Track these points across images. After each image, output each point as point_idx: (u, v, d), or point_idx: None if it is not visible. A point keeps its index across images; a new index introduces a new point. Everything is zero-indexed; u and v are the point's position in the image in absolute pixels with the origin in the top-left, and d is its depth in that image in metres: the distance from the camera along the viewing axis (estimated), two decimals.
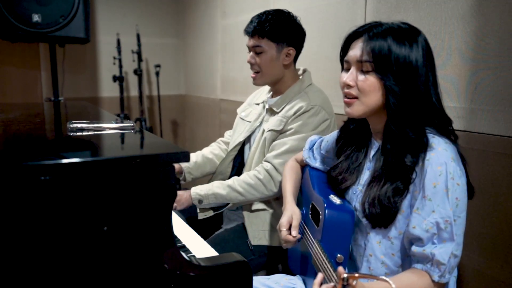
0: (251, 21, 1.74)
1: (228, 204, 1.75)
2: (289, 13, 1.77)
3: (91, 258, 0.91)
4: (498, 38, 1.44)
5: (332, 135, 1.40)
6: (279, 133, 1.72)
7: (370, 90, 1.09)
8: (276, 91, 1.83)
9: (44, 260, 0.87)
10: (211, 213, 1.84)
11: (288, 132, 1.69)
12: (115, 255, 0.93)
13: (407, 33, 1.08)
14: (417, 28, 1.12)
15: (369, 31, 1.09)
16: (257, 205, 1.76)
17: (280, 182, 1.64)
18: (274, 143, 1.72)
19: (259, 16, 1.73)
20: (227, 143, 2.07)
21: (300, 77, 1.81)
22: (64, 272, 0.89)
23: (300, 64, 1.84)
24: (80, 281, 0.91)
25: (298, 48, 1.78)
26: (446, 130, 1.12)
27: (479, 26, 1.49)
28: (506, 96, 1.42)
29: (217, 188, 1.72)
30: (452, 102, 1.60)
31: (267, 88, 1.94)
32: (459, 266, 1.08)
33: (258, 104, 1.91)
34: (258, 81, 1.79)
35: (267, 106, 1.82)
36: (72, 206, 0.88)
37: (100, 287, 0.93)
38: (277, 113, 1.75)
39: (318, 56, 2.19)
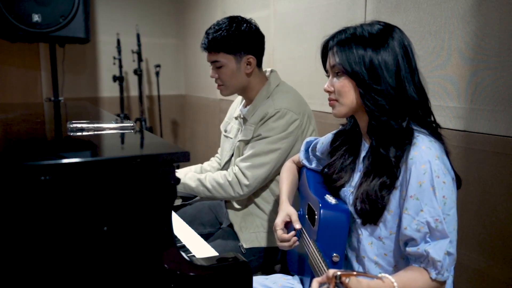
0: (205, 36, 1.71)
1: (196, 196, 1.76)
2: (242, 20, 1.71)
3: (91, 258, 0.91)
4: (498, 38, 1.44)
5: (327, 137, 1.41)
6: (248, 142, 1.73)
7: (345, 91, 1.15)
8: (247, 99, 1.82)
9: (44, 259, 0.87)
10: (179, 202, 1.86)
11: (256, 138, 1.69)
12: (115, 255, 0.93)
13: (374, 33, 1.12)
14: (391, 26, 1.15)
15: (333, 38, 1.17)
16: (246, 210, 1.78)
17: (246, 186, 1.66)
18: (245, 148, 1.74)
19: (211, 28, 1.70)
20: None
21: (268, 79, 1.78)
22: (64, 272, 0.89)
23: (300, 64, 1.84)
24: (80, 281, 0.91)
25: (258, 53, 1.74)
26: (428, 122, 1.14)
27: (479, 26, 1.49)
28: (506, 96, 1.42)
29: (189, 179, 1.72)
30: (452, 102, 1.60)
31: (240, 98, 1.92)
32: (458, 266, 1.08)
33: (236, 118, 1.89)
34: (224, 93, 1.79)
35: (242, 116, 1.81)
36: (72, 206, 0.88)
37: (100, 287, 0.93)
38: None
39: (318, 56, 2.18)
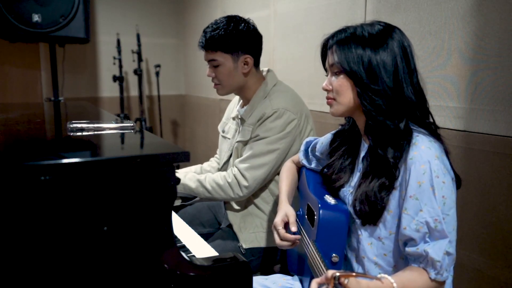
0: (203, 35, 1.70)
1: (195, 197, 1.76)
2: (240, 19, 1.71)
3: (91, 258, 0.91)
4: (498, 38, 1.44)
5: (327, 137, 1.41)
6: (247, 143, 1.72)
7: (343, 90, 1.15)
8: (244, 99, 1.81)
9: (44, 259, 0.87)
10: (179, 202, 1.85)
11: (254, 138, 1.69)
12: (115, 255, 0.93)
13: (373, 33, 1.11)
14: (391, 26, 1.14)
15: (332, 37, 1.17)
16: (246, 210, 1.77)
17: (246, 187, 1.66)
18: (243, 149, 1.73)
19: (209, 27, 1.69)
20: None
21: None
22: (64, 272, 0.89)
23: (300, 64, 1.84)
24: (80, 281, 0.91)
25: (256, 53, 1.73)
26: (426, 123, 1.14)
27: (479, 26, 1.49)
28: (506, 96, 1.42)
29: (189, 180, 1.72)
30: (452, 102, 1.60)
31: (237, 99, 1.92)
32: (459, 266, 1.08)
33: (234, 119, 1.89)
34: (220, 92, 1.77)
35: (240, 117, 1.81)
36: (72, 206, 0.88)
37: (100, 287, 0.93)
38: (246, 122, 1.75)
39: (318, 56, 2.18)
